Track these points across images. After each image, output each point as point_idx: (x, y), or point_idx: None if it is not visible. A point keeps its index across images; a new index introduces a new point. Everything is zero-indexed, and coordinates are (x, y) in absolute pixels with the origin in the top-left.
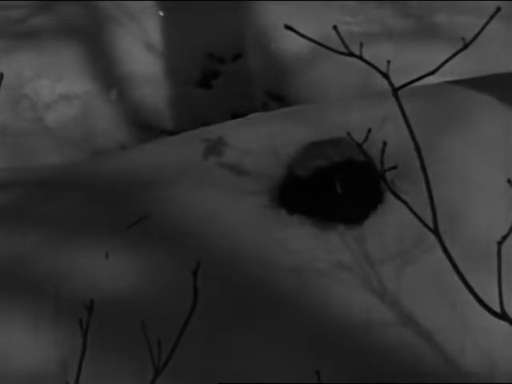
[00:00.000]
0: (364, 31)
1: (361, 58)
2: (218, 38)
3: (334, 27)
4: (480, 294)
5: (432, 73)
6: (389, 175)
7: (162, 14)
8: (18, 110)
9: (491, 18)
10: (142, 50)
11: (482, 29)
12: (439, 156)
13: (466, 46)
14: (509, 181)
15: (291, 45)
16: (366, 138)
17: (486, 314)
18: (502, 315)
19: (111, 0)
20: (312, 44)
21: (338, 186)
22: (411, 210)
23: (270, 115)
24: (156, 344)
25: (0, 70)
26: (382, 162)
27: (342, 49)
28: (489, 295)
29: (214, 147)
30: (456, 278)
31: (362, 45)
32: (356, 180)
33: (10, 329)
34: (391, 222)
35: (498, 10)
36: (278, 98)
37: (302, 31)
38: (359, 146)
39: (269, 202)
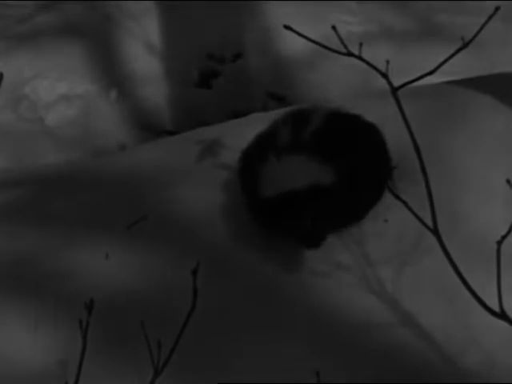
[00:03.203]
0: (364, 31)
1: (360, 57)
2: (217, 38)
3: (333, 27)
4: (479, 293)
5: (431, 72)
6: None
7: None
8: (18, 110)
9: (490, 17)
10: (142, 50)
11: (481, 28)
12: (439, 156)
13: (465, 46)
14: (508, 181)
15: (291, 45)
16: None
17: (486, 313)
18: (502, 315)
19: (112, 0)
20: (312, 44)
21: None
22: (411, 210)
23: (269, 115)
24: (156, 344)
25: (0, 69)
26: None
27: (342, 49)
28: (488, 295)
29: (214, 147)
30: (455, 277)
31: (361, 45)
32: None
33: (10, 328)
34: (391, 222)
35: (497, 9)
36: (277, 98)
37: (301, 31)
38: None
39: None
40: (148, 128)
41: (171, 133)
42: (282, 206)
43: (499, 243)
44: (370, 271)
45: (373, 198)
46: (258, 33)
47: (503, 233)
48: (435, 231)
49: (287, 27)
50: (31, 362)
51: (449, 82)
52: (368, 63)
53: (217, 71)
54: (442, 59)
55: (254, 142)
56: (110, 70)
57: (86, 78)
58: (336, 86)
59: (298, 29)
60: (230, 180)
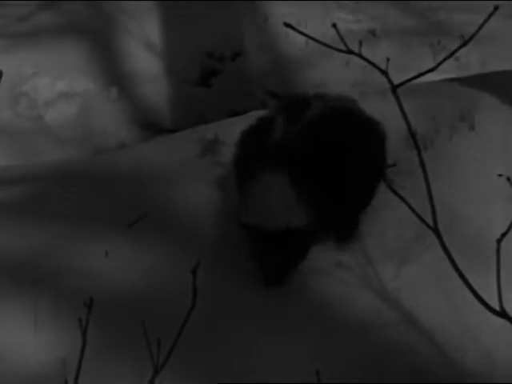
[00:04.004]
0: (365, 29)
1: (360, 55)
2: (217, 37)
3: (334, 25)
4: (479, 291)
5: (431, 70)
6: (388, 173)
7: None
8: (17, 108)
9: (490, 15)
10: (142, 49)
11: (481, 27)
12: (439, 154)
13: (464, 44)
14: (508, 179)
15: (290, 44)
16: None
17: (485, 312)
18: (502, 313)
19: (112, 0)
20: (312, 43)
21: None
22: (411, 208)
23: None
24: (155, 342)
25: (0, 67)
26: None
27: (342, 47)
28: (488, 293)
29: (213, 145)
30: (455, 276)
31: (361, 43)
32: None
33: (10, 327)
34: (390, 221)
35: (496, 8)
36: (276, 97)
37: (302, 30)
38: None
39: None
40: (148, 126)
41: (171, 131)
42: (254, 237)
43: (499, 241)
44: (370, 270)
45: (368, 196)
46: (258, 32)
47: (503, 231)
48: (435, 229)
49: (288, 25)
50: (31, 360)
51: (448, 80)
52: (368, 61)
53: (216, 70)
54: (441, 57)
55: (249, 132)
56: (110, 68)
57: (86, 77)
58: (335, 84)
59: (297, 27)
60: (230, 177)
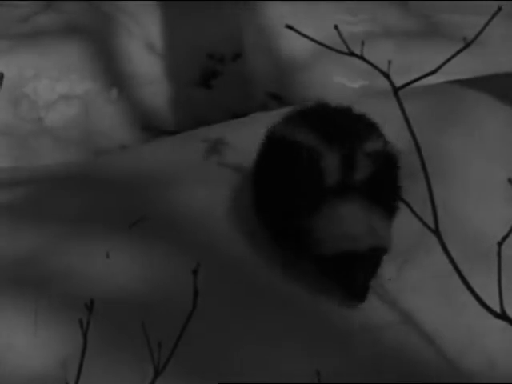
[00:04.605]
0: (365, 31)
1: (362, 57)
2: (218, 38)
3: (335, 27)
4: (480, 293)
5: (433, 72)
6: None
7: None
8: (18, 110)
9: (492, 17)
10: (142, 50)
11: (483, 28)
12: (440, 155)
13: (466, 46)
14: (509, 180)
15: (292, 45)
16: None
17: (486, 313)
18: (502, 315)
19: (112, 0)
20: (313, 44)
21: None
22: (412, 210)
23: (269, 115)
24: (156, 344)
25: (1, 69)
26: None
27: (344, 48)
28: (489, 295)
29: (214, 147)
30: (456, 277)
31: (363, 44)
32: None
33: (10, 328)
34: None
35: (499, 9)
36: (277, 98)
37: (302, 31)
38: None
39: None
40: (148, 128)
41: (171, 132)
42: (338, 264)
43: (500, 244)
44: None
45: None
46: (258, 32)
47: (503, 233)
48: (436, 231)
49: (289, 27)
50: (31, 361)
51: (450, 82)
52: (370, 63)
53: (217, 71)
54: (442, 59)
55: (279, 158)
56: (111, 69)
57: (87, 78)
58: (337, 85)
59: (298, 28)
60: (232, 179)
